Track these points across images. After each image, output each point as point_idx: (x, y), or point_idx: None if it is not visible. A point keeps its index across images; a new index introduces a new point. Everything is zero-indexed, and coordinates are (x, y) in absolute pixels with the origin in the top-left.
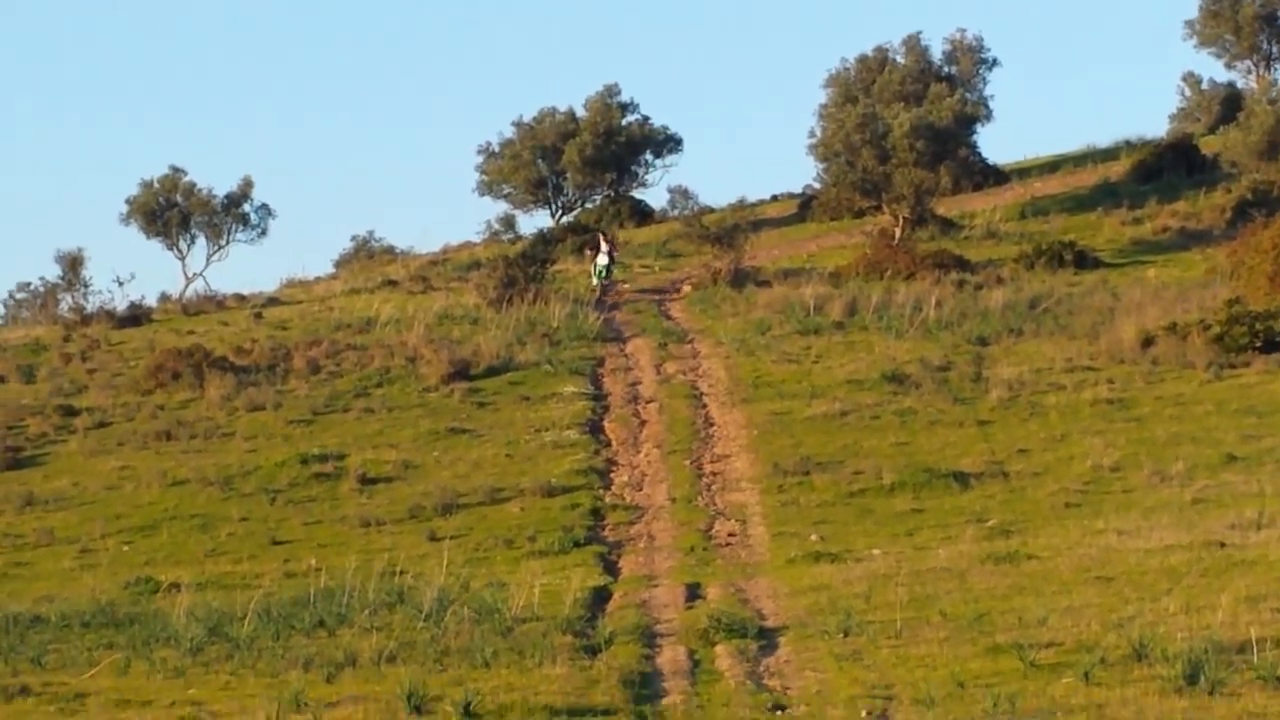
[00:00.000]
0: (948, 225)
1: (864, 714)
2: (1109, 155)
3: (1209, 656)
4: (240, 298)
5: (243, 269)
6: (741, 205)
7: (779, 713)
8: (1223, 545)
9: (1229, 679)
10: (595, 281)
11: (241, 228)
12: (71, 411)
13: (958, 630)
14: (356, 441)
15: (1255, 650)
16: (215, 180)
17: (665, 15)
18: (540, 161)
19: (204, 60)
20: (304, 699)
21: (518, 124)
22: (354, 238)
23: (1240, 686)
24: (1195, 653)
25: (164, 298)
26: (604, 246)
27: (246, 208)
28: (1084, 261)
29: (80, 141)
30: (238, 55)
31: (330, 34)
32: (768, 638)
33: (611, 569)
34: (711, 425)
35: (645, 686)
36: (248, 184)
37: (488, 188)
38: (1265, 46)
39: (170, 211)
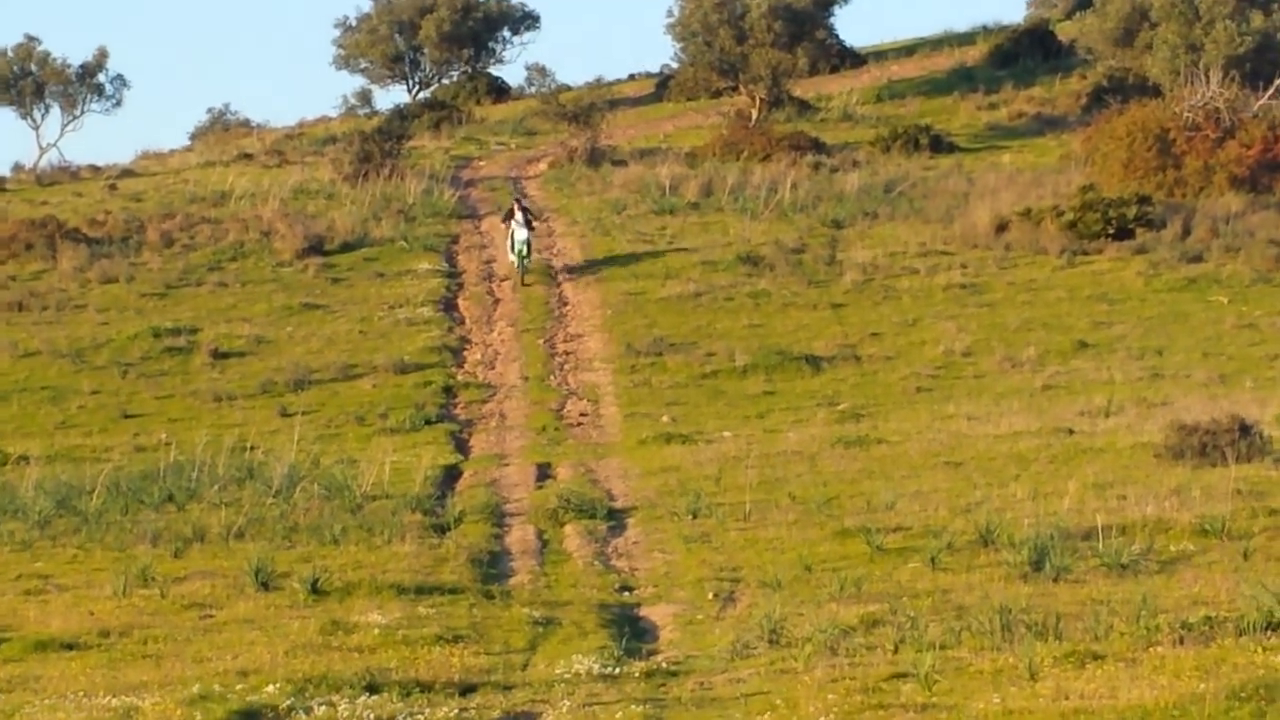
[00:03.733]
0: (804, 107)
1: (711, 596)
2: (966, 40)
3: (1055, 543)
4: (94, 169)
5: (97, 140)
6: (599, 84)
7: (626, 594)
8: (1071, 432)
9: (1074, 565)
10: (514, 260)
11: (96, 98)
12: None
13: (806, 514)
14: (209, 316)
15: (1100, 537)
16: (70, 50)
17: None
18: (398, 36)
19: None
20: (151, 573)
21: None
22: (209, 110)
23: (1085, 573)
24: (1041, 539)
25: (17, 167)
26: (519, 216)
27: (101, 78)
28: (939, 146)
29: None
30: None
31: None
32: (617, 519)
33: (462, 447)
34: (565, 305)
35: (493, 566)
36: (103, 54)
37: (344, 62)
38: None
39: (24, 80)
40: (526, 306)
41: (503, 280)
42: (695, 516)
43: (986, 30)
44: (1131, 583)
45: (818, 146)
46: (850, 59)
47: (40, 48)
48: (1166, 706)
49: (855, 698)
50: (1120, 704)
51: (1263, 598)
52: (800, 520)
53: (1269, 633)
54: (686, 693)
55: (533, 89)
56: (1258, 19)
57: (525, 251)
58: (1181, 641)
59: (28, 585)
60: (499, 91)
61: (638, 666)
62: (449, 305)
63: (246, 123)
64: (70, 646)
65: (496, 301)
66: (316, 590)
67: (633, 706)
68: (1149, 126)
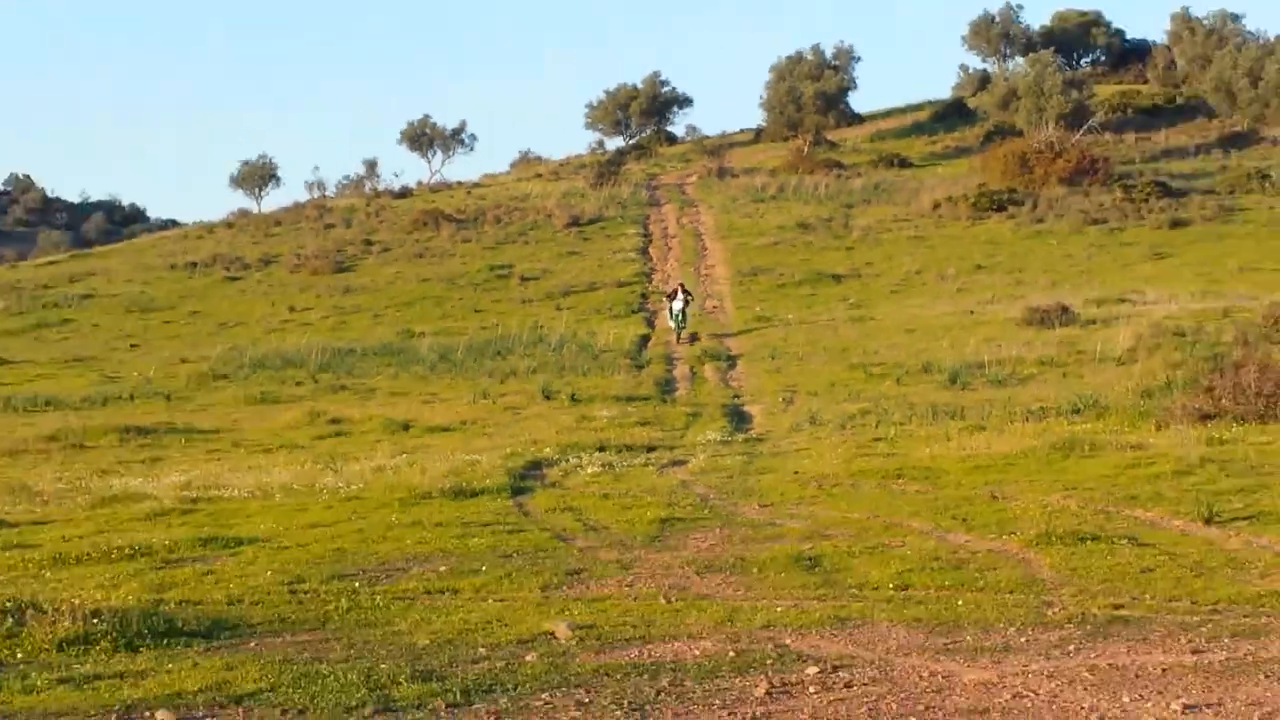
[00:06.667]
0: (832, 145)
1: (780, 400)
2: (918, 108)
3: (962, 370)
4: (459, 184)
5: (461, 167)
6: (721, 135)
7: (736, 399)
8: (971, 313)
9: (972, 381)
10: (673, 324)
11: (459, 146)
12: (370, 243)
13: (832, 357)
14: (519, 258)
15: (988, 367)
16: (447, 120)
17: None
18: (618, 110)
19: None
20: (489, 392)
21: (608, 92)
22: (520, 151)
23: (978, 385)
24: (955, 367)
25: (419, 184)
26: (680, 296)
27: (463, 136)
28: (905, 164)
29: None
30: None
31: None
32: (732, 361)
33: (650, 324)
34: (705, 250)
35: (667, 387)
36: (462, 124)
37: (590, 124)
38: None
39: (423, 137)
40: (685, 252)
41: (672, 238)
42: (773, 359)
43: (930, 102)
44: (1003, 390)
45: (840, 166)
46: (855, 119)
47: (432, 121)
48: (1018, 452)
49: (853, 449)
50: (994, 452)
51: (1070, 398)
52: (829, 360)
53: (1073, 415)
54: (767, 449)
55: (689, 138)
56: (1074, 94)
57: (681, 319)
58: (1027, 420)
59: (424, 398)
60: (670, 139)
61: (741, 436)
62: (643, 251)
63: (538, 157)
64: (445, 430)
65: (669, 249)
66: (574, 399)
67: (738, 456)
68: (1015, 151)
